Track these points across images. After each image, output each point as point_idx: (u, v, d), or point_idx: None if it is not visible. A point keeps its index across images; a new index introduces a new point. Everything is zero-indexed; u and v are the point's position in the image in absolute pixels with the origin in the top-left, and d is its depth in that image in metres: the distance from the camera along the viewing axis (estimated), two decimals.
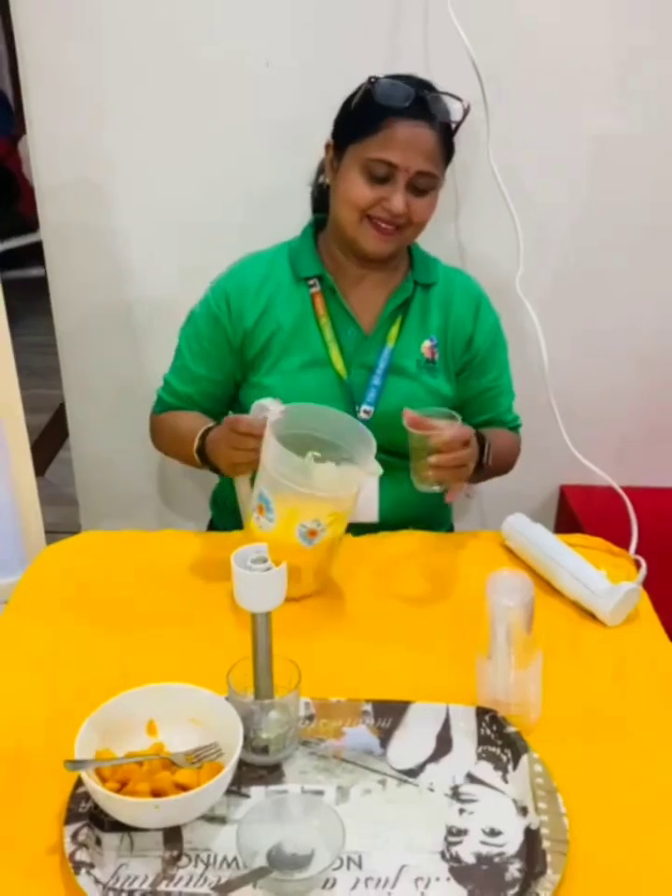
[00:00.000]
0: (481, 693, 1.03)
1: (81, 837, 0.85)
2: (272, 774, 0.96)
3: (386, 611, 1.23)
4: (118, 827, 0.88)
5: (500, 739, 0.98)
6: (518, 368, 1.52)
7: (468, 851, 0.87)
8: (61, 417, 1.99)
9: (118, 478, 1.96)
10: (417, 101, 1.27)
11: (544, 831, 0.87)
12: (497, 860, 0.86)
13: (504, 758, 0.97)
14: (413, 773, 0.96)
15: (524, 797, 0.92)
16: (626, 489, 1.46)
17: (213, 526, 1.63)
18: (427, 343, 1.43)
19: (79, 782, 0.89)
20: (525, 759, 0.95)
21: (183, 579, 1.28)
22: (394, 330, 1.42)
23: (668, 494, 1.92)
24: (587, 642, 1.17)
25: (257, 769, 0.96)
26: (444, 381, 1.45)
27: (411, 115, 1.27)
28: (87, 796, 0.89)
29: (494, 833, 0.89)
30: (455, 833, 0.89)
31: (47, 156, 1.67)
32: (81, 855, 0.83)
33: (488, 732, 1.00)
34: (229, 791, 0.91)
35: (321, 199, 1.46)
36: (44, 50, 1.59)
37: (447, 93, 1.31)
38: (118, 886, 0.83)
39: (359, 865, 0.85)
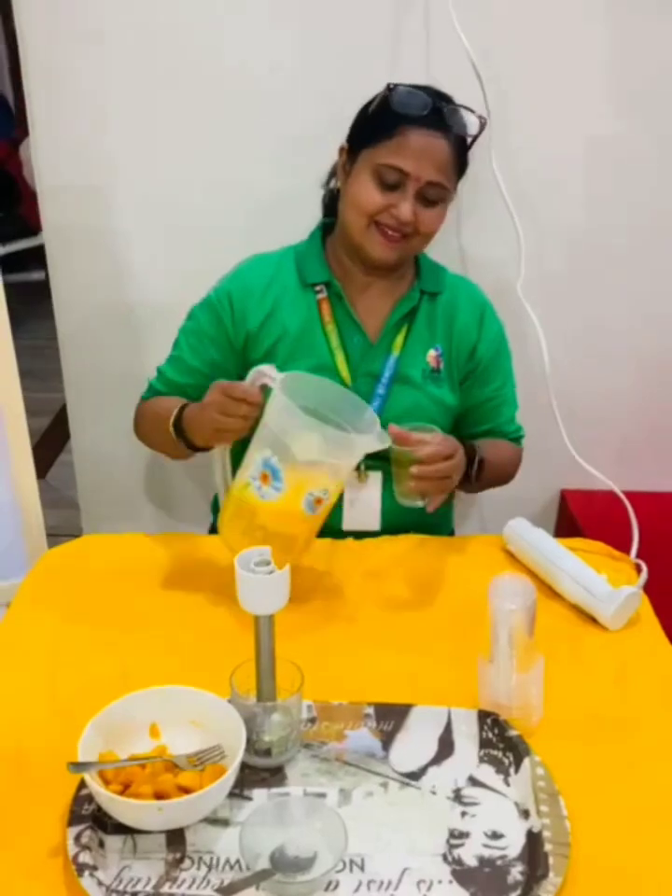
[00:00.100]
0: (482, 697, 1.03)
1: (84, 839, 0.85)
2: (274, 776, 0.96)
3: (388, 615, 1.23)
4: (121, 829, 0.88)
5: (502, 742, 0.99)
6: (519, 371, 1.53)
7: (470, 854, 0.87)
8: (62, 420, 2.00)
9: (119, 481, 1.96)
10: (434, 111, 1.27)
11: (546, 834, 0.87)
12: (499, 862, 0.87)
13: (506, 761, 0.97)
14: (415, 776, 0.96)
15: (525, 800, 0.92)
16: (627, 493, 1.46)
17: (214, 530, 1.62)
18: (432, 353, 1.43)
19: (82, 784, 0.90)
20: (526, 762, 0.95)
21: (185, 582, 1.28)
22: (399, 339, 1.42)
23: (669, 498, 1.92)
24: (588, 646, 1.18)
25: (259, 772, 0.96)
26: (448, 390, 1.45)
27: (426, 124, 1.27)
28: (90, 798, 0.89)
29: (496, 835, 0.89)
30: (456, 836, 0.89)
31: (49, 158, 1.67)
32: (84, 857, 0.84)
33: (490, 735, 1.00)
34: (231, 794, 0.91)
35: (332, 202, 1.46)
36: (46, 53, 1.59)
37: (465, 107, 1.31)
38: (120, 888, 0.83)
39: (362, 868, 0.86)
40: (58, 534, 1.70)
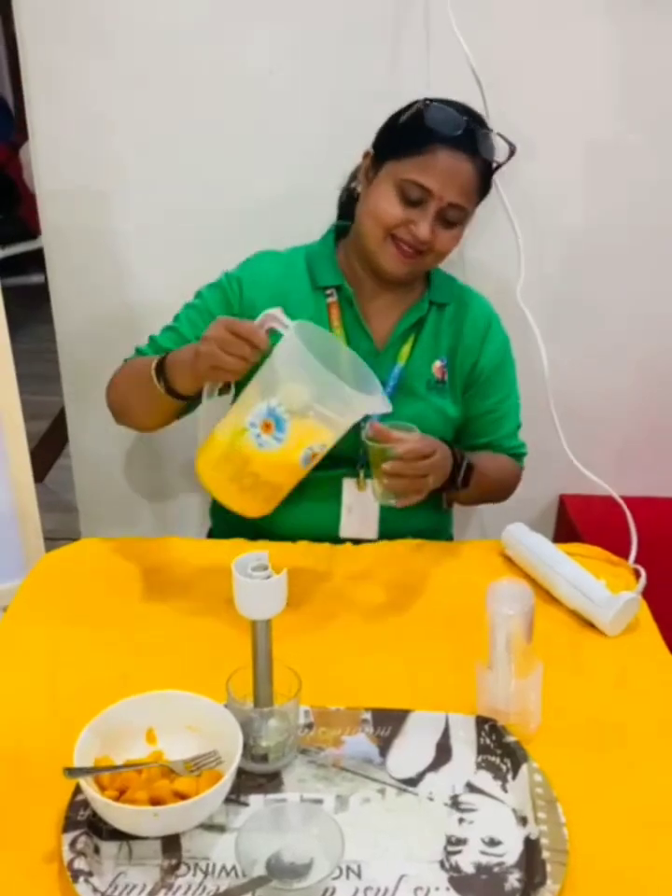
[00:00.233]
0: (480, 702, 1.03)
1: (80, 845, 0.85)
2: (271, 782, 0.95)
3: (386, 620, 1.22)
4: (116, 835, 0.87)
5: (500, 748, 0.98)
6: (518, 375, 1.52)
7: (467, 861, 0.87)
8: (61, 423, 1.99)
9: (117, 485, 1.96)
10: (466, 133, 1.26)
11: (544, 841, 0.87)
12: (496, 869, 0.86)
13: (504, 767, 0.97)
14: (412, 782, 0.96)
15: (523, 807, 0.92)
16: (626, 498, 1.46)
17: (212, 535, 1.62)
18: (437, 364, 1.43)
19: (78, 790, 0.89)
20: (524, 768, 0.95)
21: (182, 586, 1.28)
22: (406, 349, 1.42)
23: (668, 503, 1.92)
24: (587, 652, 1.17)
25: (256, 777, 0.95)
26: (451, 402, 1.44)
27: (456, 145, 1.26)
28: (85, 804, 0.88)
29: (493, 842, 0.89)
30: (454, 843, 0.89)
31: (48, 162, 1.67)
32: (80, 863, 0.83)
33: (488, 741, 1.00)
34: (228, 800, 0.91)
35: (347, 205, 1.46)
36: (46, 56, 1.59)
37: (497, 133, 1.30)
38: (116, 894, 0.82)
39: (358, 874, 0.85)
40: (56, 537, 1.70)
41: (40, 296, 1.83)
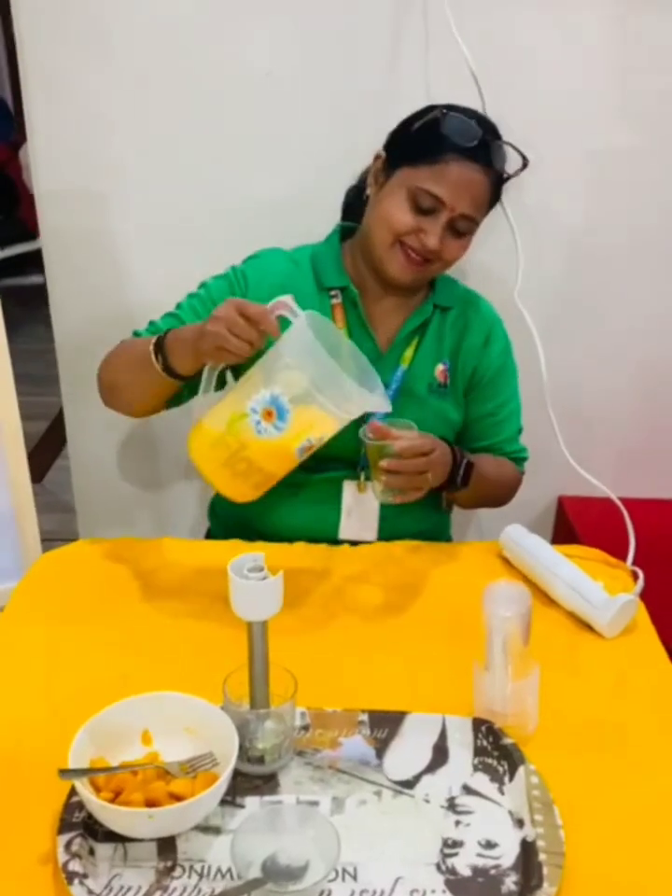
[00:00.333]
0: (477, 704, 1.03)
1: (74, 847, 0.84)
2: (267, 784, 0.95)
3: (383, 621, 1.22)
4: (111, 837, 0.87)
5: (497, 750, 0.98)
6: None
7: (463, 863, 0.87)
8: (60, 424, 1.99)
9: (115, 486, 1.95)
10: (482, 144, 1.26)
11: (540, 843, 0.86)
12: (492, 872, 0.86)
13: (500, 769, 0.97)
14: (408, 784, 0.95)
15: (520, 809, 0.91)
16: (624, 500, 1.46)
17: (210, 535, 1.62)
18: (440, 367, 1.43)
19: (73, 791, 0.89)
20: (521, 770, 0.94)
21: (179, 587, 1.27)
22: (409, 352, 1.42)
23: (666, 505, 1.92)
24: (584, 654, 1.17)
25: (252, 779, 0.95)
26: (452, 405, 1.44)
27: (471, 157, 1.26)
28: (80, 806, 0.88)
29: (490, 845, 0.89)
30: (450, 845, 0.89)
31: (47, 162, 1.67)
32: (74, 865, 0.83)
33: (484, 743, 0.99)
34: (223, 802, 0.90)
35: (353, 206, 1.45)
36: (44, 57, 1.59)
37: (511, 144, 1.30)
38: None
39: (354, 877, 0.85)
40: (54, 538, 1.69)
41: (40, 297, 1.82)
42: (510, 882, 0.85)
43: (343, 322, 1.40)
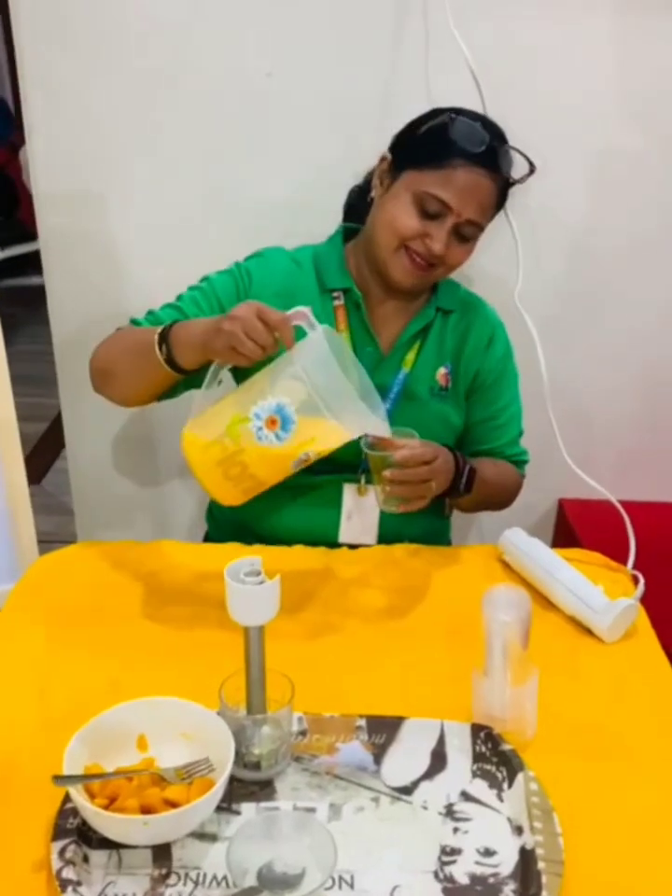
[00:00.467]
0: (476, 710, 1.02)
1: (69, 854, 0.84)
2: (263, 790, 0.94)
3: (381, 625, 1.21)
4: (106, 844, 0.86)
5: (495, 756, 0.97)
6: None
7: (461, 871, 0.86)
8: (58, 425, 1.99)
9: (113, 488, 1.95)
10: (489, 150, 1.26)
11: (539, 851, 0.85)
12: (491, 880, 0.85)
13: (499, 776, 0.96)
14: (406, 790, 0.94)
15: (519, 816, 0.90)
16: (624, 503, 1.45)
17: (208, 538, 1.61)
18: (441, 371, 1.42)
19: (68, 797, 0.88)
20: (520, 777, 0.93)
21: (177, 590, 1.27)
22: (411, 355, 1.41)
23: (667, 508, 1.92)
24: (584, 658, 1.16)
25: (248, 785, 0.94)
26: (453, 408, 1.44)
27: (478, 162, 1.25)
28: (75, 812, 0.87)
29: (488, 852, 0.88)
30: (448, 853, 0.88)
31: (46, 163, 1.67)
32: (68, 872, 0.82)
33: (483, 749, 0.98)
34: (219, 808, 0.89)
35: (355, 207, 1.45)
36: (43, 58, 1.59)
37: (518, 150, 1.30)
38: None
39: (351, 885, 0.84)
40: (52, 540, 1.69)
41: (39, 297, 1.82)
42: (508, 890, 0.84)
43: (346, 324, 1.39)
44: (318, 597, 1.26)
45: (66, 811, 0.88)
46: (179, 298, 1.39)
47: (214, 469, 1.11)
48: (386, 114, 1.52)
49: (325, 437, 1.08)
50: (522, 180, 1.32)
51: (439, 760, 0.98)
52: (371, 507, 1.38)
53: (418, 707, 1.04)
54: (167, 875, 0.84)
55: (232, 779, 0.92)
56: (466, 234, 1.30)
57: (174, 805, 0.86)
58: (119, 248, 1.74)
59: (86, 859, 0.85)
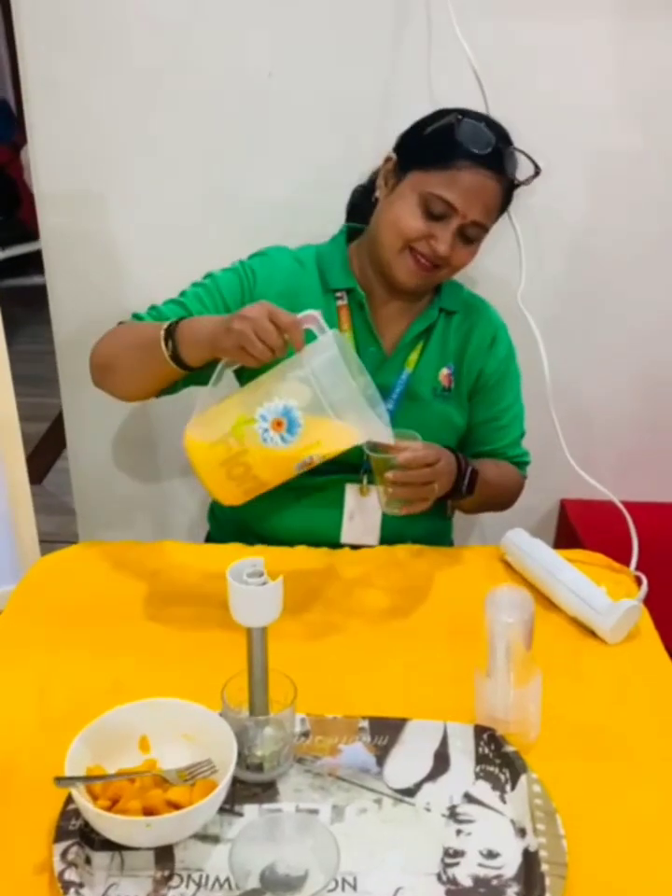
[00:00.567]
0: (479, 711, 1.02)
1: (71, 856, 0.83)
2: (266, 792, 0.94)
3: (384, 627, 1.21)
4: (108, 846, 0.86)
5: (499, 758, 0.97)
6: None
7: (465, 873, 0.85)
8: (60, 425, 1.98)
9: (115, 488, 1.95)
10: (495, 151, 1.26)
11: (543, 853, 0.85)
12: (494, 882, 0.85)
13: (502, 777, 0.95)
14: (409, 792, 0.94)
15: (522, 818, 0.90)
16: (627, 504, 1.45)
17: (210, 539, 1.61)
18: (444, 371, 1.42)
19: (70, 799, 0.88)
20: (523, 779, 0.93)
21: (179, 591, 1.26)
22: (414, 356, 1.41)
23: (670, 509, 1.91)
24: (587, 660, 1.16)
25: (251, 787, 0.94)
26: (456, 409, 1.44)
27: (484, 163, 1.25)
28: (77, 814, 0.87)
29: (491, 854, 0.88)
30: (451, 855, 0.87)
31: (47, 163, 1.67)
32: (70, 874, 0.82)
33: (486, 750, 0.98)
34: (222, 810, 0.89)
35: (359, 207, 1.44)
36: (44, 58, 1.59)
37: (523, 151, 1.30)
38: None
39: (354, 887, 0.84)
40: (54, 540, 1.69)
41: (41, 297, 1.82)
42: (511, 893, 0.84)
43: (349, 324, 1.39)
44: (321, 598, 1.26)
45: (68, 813, 0.87)
46: (183, 294, 1.38)
47: (217, 470, 1.11)
48: (387, 114, 1.52)
49: (330, 441, 1.08)
50: (527, 182, 1.32)
51: (442, 761, 0.98)
52: (374, 507, 1.38)
53: (421, 708, 1.03)
54: (169, 877, 0.84)
55: (235, 781, 0.91)
56: (470, 236, 1.30)
57: (176, 806, 0.86)
58: (120, 248, 1.74)
59: (88, 860, 0.85)
